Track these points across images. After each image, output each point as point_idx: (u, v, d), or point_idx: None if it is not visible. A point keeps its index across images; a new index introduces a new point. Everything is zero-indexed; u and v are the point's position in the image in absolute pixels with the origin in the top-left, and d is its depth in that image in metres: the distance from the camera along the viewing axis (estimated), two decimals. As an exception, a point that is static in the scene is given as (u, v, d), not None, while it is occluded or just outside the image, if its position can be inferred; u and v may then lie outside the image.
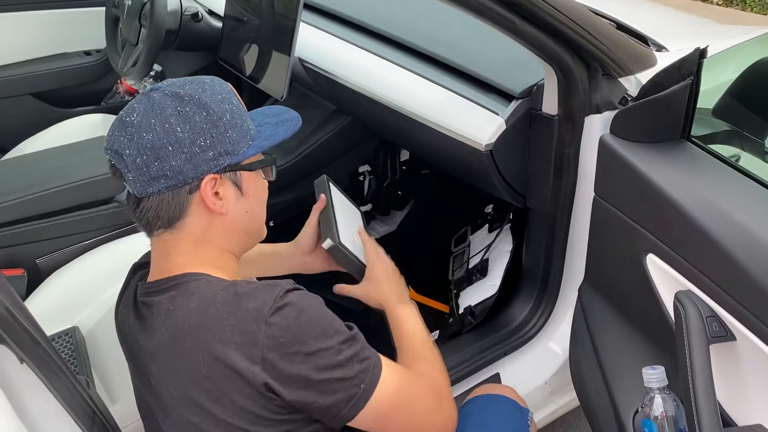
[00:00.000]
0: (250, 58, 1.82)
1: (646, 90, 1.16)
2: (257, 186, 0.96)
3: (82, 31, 2.31)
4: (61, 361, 0.88)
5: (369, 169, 2.06)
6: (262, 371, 0.82)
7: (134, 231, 1.64)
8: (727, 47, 1.40)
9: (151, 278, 0.95)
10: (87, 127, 2.15)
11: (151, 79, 2.42)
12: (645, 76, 1.29)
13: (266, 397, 0.84)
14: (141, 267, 1.03)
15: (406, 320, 1.10)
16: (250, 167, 0.93)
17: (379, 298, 1.14)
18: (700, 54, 1.02)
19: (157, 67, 2.41)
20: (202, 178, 0.87)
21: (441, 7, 1.58)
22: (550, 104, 1.31)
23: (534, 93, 1.34)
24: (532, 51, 1.21)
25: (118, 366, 1.37)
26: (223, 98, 0.89)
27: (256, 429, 0.85)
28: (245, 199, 0.93)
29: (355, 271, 1.20)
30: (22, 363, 0.82)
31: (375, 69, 1.57)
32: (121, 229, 1.65)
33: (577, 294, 1.36)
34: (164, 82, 0.91)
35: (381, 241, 2.17)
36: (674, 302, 0.96)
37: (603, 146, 1.19)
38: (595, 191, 1.23)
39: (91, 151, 1.73)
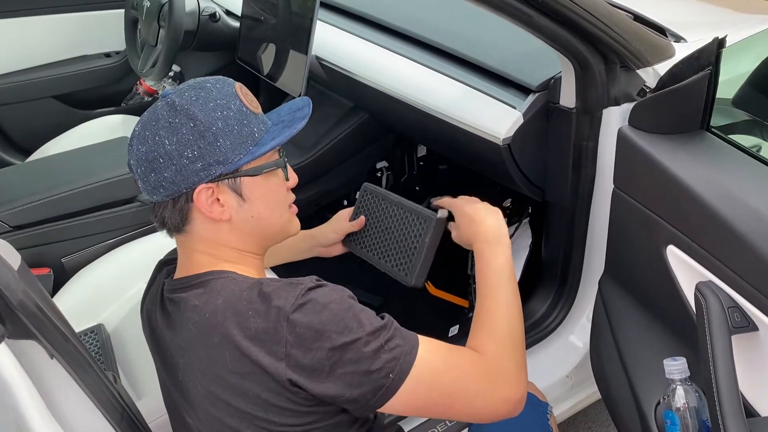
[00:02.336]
0: (267, 57, 1.83)
1: (665, 81, 1.15)
2: (266, 189, 0.93)
3: (102, 34, 2.34)
4: (90, 357, 0.90)
5: (386, 165, 2.07)
6: (286, 367, 0.82)
7: (154, 231, 1.67)
8: (746, 36, 1.39)
9: (177, 275, 0.97)
10: (108, 128, 2.18)
11: (170, 80, 2.45)
12: (663, 68, 1.28)
13: (291, 392, 0.84)
14: (167, 263, 1.05)
15: (495, 271, 1.00)
16: (253, 172, 0.91)
17: (474, 232, 1.05)
18: (719, 44, 1.01)
19: (176, 68, 2.44)
20: (194, 189, 0.87)
21: (457, 3, 1.59)
22: (567, 97, 1.31)
23: (551, 86, 1.34)
24: (549, 44, 1.21)
25: (143, 362, 1.40)
26: (216, 105, 0.87)
27: (282, 420, 0.86)
28: (249, 205, 0.92)
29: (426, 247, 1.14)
30: (52, 358, 0.84)
31: (392, 65, 1.58)
32: (143, 227, 1.68)
33: (597, 287, 1.36)
34: (176, 87, 0.92)
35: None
36: (695, 293, 0.96)
37: (622, 138, 1.18)
38: (614, 184, 1.22)
39: (113, 152, 1.76)
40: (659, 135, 1.12)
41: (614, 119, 1.28)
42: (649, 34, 1.33)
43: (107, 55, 2.40)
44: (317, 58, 1.75)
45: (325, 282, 0.89)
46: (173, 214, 0.90)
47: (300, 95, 1.68)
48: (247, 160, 0.89)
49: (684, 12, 2.01)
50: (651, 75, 1.30)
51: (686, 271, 1.04)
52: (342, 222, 1.27)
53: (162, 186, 0.87)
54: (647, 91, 1.22)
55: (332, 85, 1.88)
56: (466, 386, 0.89)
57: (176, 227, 0.92)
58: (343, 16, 1.82)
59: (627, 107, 1.26)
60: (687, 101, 1.08)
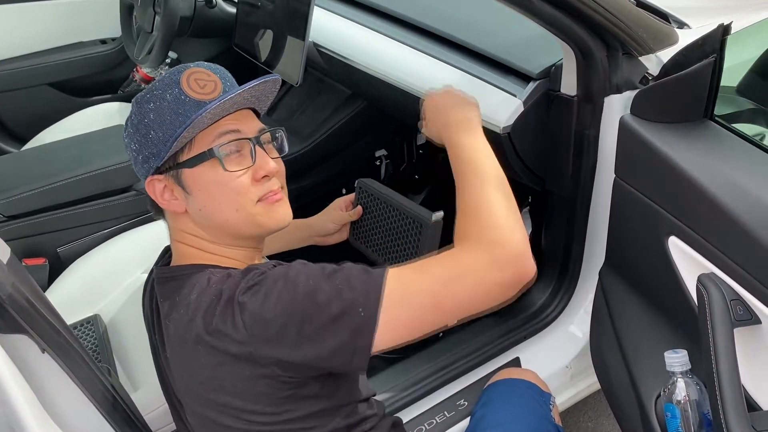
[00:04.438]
0: (264, 43, 1.81)
1: (668, 69, 1.13)
2: (208, 180, 0.86)
3: (98, 20, 2.31)
4: (82, 350, 0.89)
5: (385, 153, 2.05)
6: (253, 350, 0.78)
7: (153, 219, 1.65)
8: (751, 23, 1.36)
9: (170, 263, 0.96)
10: (104, 115, 2.15)
11: (167, 67, 2.41)
12: (666, 55, 1.26)
13: (268, 375, 0.80)
14: (163, 255, 1.04)
15: (461, 150, 0.92)
16: (189, 164, 0.86)
17: (438, 129, 0.99)
18: (724, 30, 0.99)
19: (172, 55, 2.40)
20: (146, 182, 0.89)
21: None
22: (568, 85, 1.29)
23: (552, 74, 1.31)
24: (550, 30, 1.19)
25: (139, 353, 1.39)
26: (152, 96, 0.86)
27: (261, 408, 0.83)
28: (193, 197, 0.87)
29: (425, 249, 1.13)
30: (43, 352, 0.83)
31: (390, 52, 1.56)
32: (140, 217, 1.66)
33: (597, 277, 1.35)
34: None
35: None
36: (697, 285, 0.94)
37: (623, 127, 1.16)
38: (615, 173, 1.21)
39: (109, 140, 1.74)
40: (662, 124, 1.10)
41: (616, 107, 1.26)
42: (652, 20, 1.30)
43: (103, 41, 2.37)
44: (315, 44, 1.73)
45: (282, 262, 0.85)
46: (148, 202, 0.93)
47: (297, 83, 1.65)
48: (177, 149, 0.85)
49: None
50: (654, 62, 1.28)
51: (688, 263, 1.02)
52: (339, 211, 1.26)
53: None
54: (650, 78, 1.20)
55: (331, 73, 1.86)
56: (447, 275, 0.79)
57: (157, 217, 0.95)
58: (341, 2, 1.79)
59: (629, 95, 1.24)
60: (690, 89, 1.06)
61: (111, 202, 1.62)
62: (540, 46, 1.36)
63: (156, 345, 0.99)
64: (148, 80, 2.43)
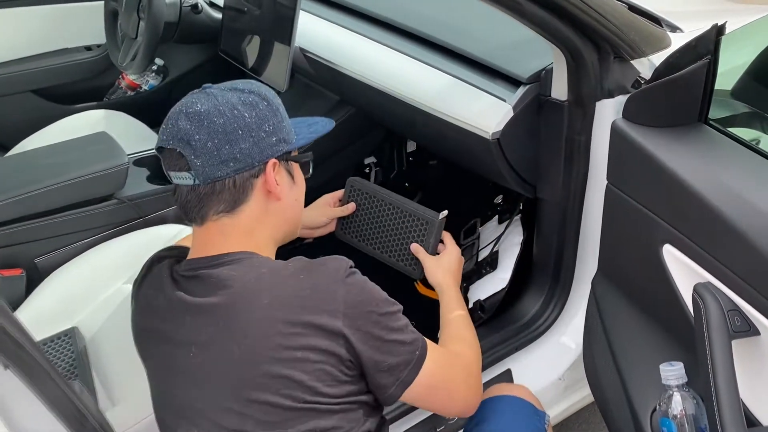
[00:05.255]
0: (250, 49, 1.78)
1: (660, 71, 1.10)
2: (301, 180, 1.02)
3: (83, 26, 2.26)
4: (49, 366, 0.84)
5: (375, 160, 2.02)
6: (343, 326, 0.87)
7: (134, 228, 1.61)
8: (745, 24, 1.34)
9: (199, 255, 0.95)
10: (89, 123, 2.11)
11: (153, 74, 2.39)
12: (659, 59, 1.23)
13: (338, 355, 0.87)
14: (160, 260, 1.03)
15: (459, 303, 1.18)
16: (302, 159, 1.01)
17: (442, 276, 1.22)
18: (718, 31, 0.96)
19: (159, 61, 2.38)
20: (267, 162, 0.93)
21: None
22: (559, 89, 1.26)
23: (542, 78, 1.28)
24: (539, 33, 1.16)
25: (119, 366, 1.35)
26: (274, 94, 0.97)
27: (325, 389, 0.88)
28: (296, 188, 1.00)
29: (431, 246, 1.29)
30: (6, 369, 0.79)
31: (377, 57, 1.52)
32: (120, 226, 1.61)
33: (589, 284, 1.31)
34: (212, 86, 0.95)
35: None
36: (693, 295, 0.91)
37: (615, 132, 1.13)
38: (607, 179, 1.17)
39: (91, 147, 1.70)
40: (655, 128, 1.07)
41: (608, 112, 1.23)
42: (644, 23, 1.27)
43: (88, 48, 2.33)
44: (301, 49, 1.70)
45: None
46: (237, 190, 0.92)
47: (283, 89, 1.62)
48: (302, 143, 0.99)
49: (679, 2, 1.96)
50: (646, 66, 1.25)
51: (684, 272, 0.99)
52: (328, 207, 1.35)
53: (234, 159, 0.90)
54: (642, 82, 1.17)
55: (318, 78, 1.82)
56: (458, 376, 1.02)
57: (234, 204, 0.93)
58: (328, 6, 1.76)
59: (621, 100, 1.21)
60: (684, 92, 1.02)
61: (91, 211, 1.57)
62: (530, 50, 1.33)
63: (172, 340, 0.95)
64: (134, 87, 2.39)
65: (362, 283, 0.92)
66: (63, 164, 1.60)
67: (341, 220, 1.35)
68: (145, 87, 2.39)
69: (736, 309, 0.87)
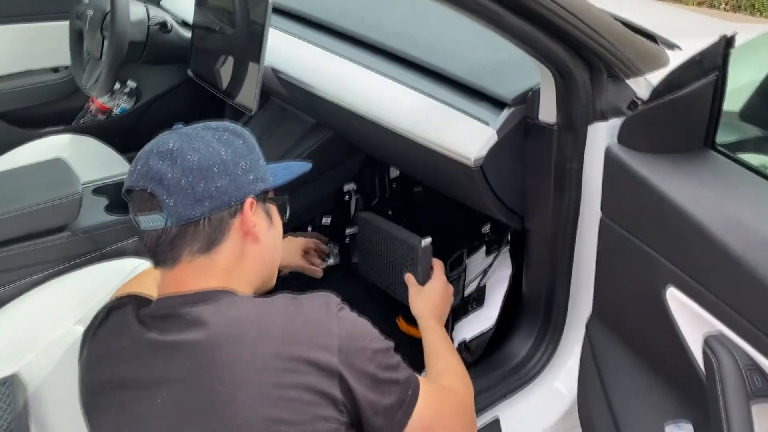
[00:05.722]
0: (219, 69, 1.66)
1: (660, 91, 0.99)
2: (278, 222, 0.99)
3: (49, 47, 2.15)
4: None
5: (355, 187, 1.89)
6: (339, 363, 0.83)
7: (89, 263, 1.48)
8: (750, 39, 1.23)
9: (171, 294, 0.88)
10: (54, 148, 1.99)
11: (125, 96, 2.28)
12: (657, 78, 1.13)
13: (332, 398, 0.82)
14: (120, 305, 0.96)
15: (443, 336, 1.18)
16: (274, 200, 0.98)
17: (421, 306, 1.24)
18: (727, 43, 0.85)
19: (131, 83, 2.27)
20: (245, 201, 0.89)
21: (421, 5, 1.43)
22: (547, 112, 1.15)
23: (529, 99, 1.17)
24: (525, 50, 1.05)
25: (64, 418, 1.21)
26: (249, 133, 0.95)
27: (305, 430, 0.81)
28: (274, 230, 0.97)
29: (423, 273, 1.33)
30: None
31: (352, 77, 1.41)
32: (74, 261, 1.49)
33: (583, 328, 1.19)
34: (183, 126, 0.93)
35: (371, 265, 1.99)
36: (704, 350, 0.79)
37: (609, 158, 1.02)
38: (601, 211, 1.05)
39: (43, 175, 1.57)
40: (654, 155, 0.95)
41: (601, 136, 1.12)
42: (639, 39, 1.16)
43: (55, 69, 2.22)
44: (273, 70, 1.58)
45: None
46: (212, 230, 0.87)
47: (252, 112, 1.50)
48: (279, 182, 0.98)
49: (675, 19, 1.86)
50: (643, 86, 1.14)
51: (690, 319, 0.86)
52: (300, 255, 1.46)
53: (210, 197, 0.86)
54: (639, 103, 1.06)
55: (292, 101, 1.71)
56: (451, 411, 0.99)
57: (209, 245, 0.88)
58: (301, 24, 1.65)
59: (616, 123, 1.10)
60: (687, 114, 0.91)
61: (40, 244, 1.45)
62: (515, 69, 1.22)
63: (137, 384, 0.86)
64: (104, 110, 2.28)
65: (354, 319, 0.89)
66: (10, 193, 1.48)
67: (358, 251, 1.49)
68: (116, 110, 2.28)
69: (756, 367, 0.75)
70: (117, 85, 2.27)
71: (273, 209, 0.98)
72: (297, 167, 1.05)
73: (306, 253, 1.53)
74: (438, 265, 1.32)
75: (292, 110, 1.80)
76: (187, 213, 0.85)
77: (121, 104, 2.27)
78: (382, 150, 1.58)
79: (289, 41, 1.60)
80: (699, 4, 5.08)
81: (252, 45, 1.49)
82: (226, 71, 1.63)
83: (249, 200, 0.90)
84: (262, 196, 0.94)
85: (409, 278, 1.31)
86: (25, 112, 2.17)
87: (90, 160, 1.94)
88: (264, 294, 1.01)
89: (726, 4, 4.93)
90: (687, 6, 4.92)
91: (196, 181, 0.85)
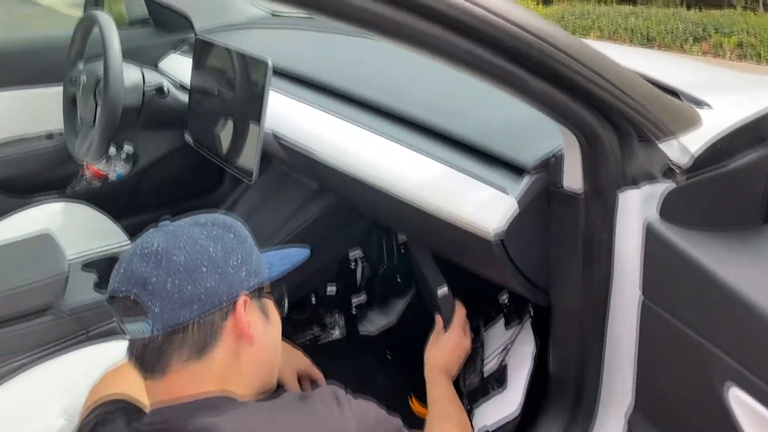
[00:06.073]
0: (217, 135, 1.58)
1: (705, 159, 0.89)
2: (276, 317, 0.92)
3: (43, 112, 2.09)
4: None
5: (361, 254, 1.79)
6: None
7: (74, 347, 1.37)
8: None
9: (165, 403, 0.81)
10: (45, 217, 1.90)
11: (121, 162, 2.20)
12: (691, 140, 1.03)
13: None
14: (106, 420, 0.88)
15: (446, 387, 1.20)
16: (270, 294, 0.92)
17: (435, 357, 1.24)
18: (787, 108, 0.75)
19: (128, 148, 2.20)
20: (237, 299, 0.83)
21: (431, 67, 1.34)
22: (572, 178, 1.05)
23: (551, 165, 1.07)
24: (547, 114, 0.95)
25: None
26: (241, 225, 0.90)
27: None
28: (271, 327, 0.91)
29: (446, 320, 1.33)
30: None
31: (355, 141, 1.32)
32: (59, 343, 1.37)
33: (621, 420, 1.05)
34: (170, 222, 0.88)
35: (380, 336, 1.88)
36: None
37: (651, 235, 0.91)
38: (643, 293, 0.94)
39: (32, 251, 1.48)
40: (704, 232, 0.85)
41: (632, 204, 1.01)
42: (668, 98, 1.07)
43: (49, 136, 2.15)
44: (274, 135, 1.50)
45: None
46: (202, 334, 0.81)
47: (252, 181, 1.41)
48: (275, 275, 0.91)
49: (689, 72, 1.78)
50: (676, 148, 1.04)
51: (761, 426, 0.74)
52: (294, 377, 1.31)
53: (198, 299, 0.80)
54: (678, 170, 0.95)
55: (294, 166, 1.62)
56: None
57: (199, 350, 0.81)
58: (301, 85, 1.57)
59: (648, 190, 1.00)
60: (742, 187, 0.80)
61: (22, 328, 1.34)
62: (532, 132, 1.13)
63: None
64: (99, 177, 2.20)
65: (365, 408, 0.88)
66: (-4, 271, 1.38)
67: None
68: (112, 176, 2.19)
69: None
70: (113, 150, 2.20)
71: (269, 304, 0.91)
72: (295, 255, 0.98)
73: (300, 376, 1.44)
74: (457, 315, 1.30)
75: (295, 175, 1.71)
76: (174, 318, 0.79)
77: (118, 169, 2.19)
78: (390, 218, 1.48)
79: (290, 104, 1.52)
80: (703, 53, 5.07)
81: (251, 108, 1.41)
82: (224, 136, 1.55)
83: (242, 298, 0.84)
84: (257, 292, 0.88)
85: (438, 321, 1.31)
86: (19, 180, 2.10)
87: (82, 229, 1.85)
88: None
89: (731, 53, 4.92)
90: (693, 56, 4.91)
91: (183, 284, 0.80)
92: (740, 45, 4.89)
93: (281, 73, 1.64)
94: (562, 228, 1.09)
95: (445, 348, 1.25)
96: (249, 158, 1.42)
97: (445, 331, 1.32)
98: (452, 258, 1.44)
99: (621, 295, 1.06)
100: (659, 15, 5.93)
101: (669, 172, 0.98)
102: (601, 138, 0.97)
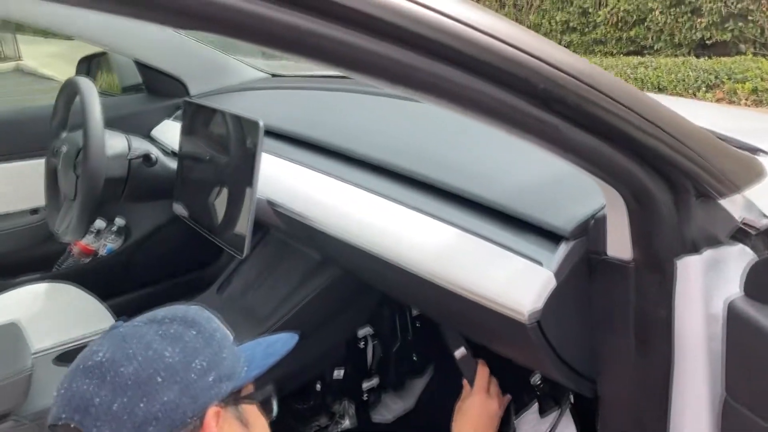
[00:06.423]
0: (206, 206, 1.43)
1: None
2: (261, 423, 0.79)
3: (27, 187, 1.96)
4: None
5: (371, 331, 1.60)
6: None
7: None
8: None
9: None
10: (26, 300, 1.74)
11: (112, 236, 2.05)
12: (755, 194, 0.87)
13: None
14: None
15: None
16: (250, 399, 0.79)
17: (460, 428, 1.14)
18: None
19: (119, 221, 2.06)
20: (205, 412, 0.70)
21: (442, 121, 1.19)
22: (618, 245, 0.87)
23: (591, 229, 0.90)
24: (585, 168, 0.79)
25: None
26: (209, 316, 0.79)
27: None
28: None
29: (470, 383, 1.25)
30: None
31: (360, 206, 1.16)
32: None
33: None
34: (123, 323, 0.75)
35: (397, 423, 1.66)
36: None
37: (736, 318, 0.73)
38: (727, 392, 0.75)
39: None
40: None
41: (694, 274, 0.84)
42: (726, 145, 0.91)
43: (34, 211, 2.01)
44: (269, 202, 1.34)
45: None
46: None
47: (242, 255, 1.24)
48: (252, 376, 0.77)
49: (724, 119, 1.63)
50: (740, 205, 0.87)
51: None
52: None
53: (156, 418, 0.67)
54: (752, 231, 0.78)
55: (293, 236, 1.46)
56: None
57: None
58: (301, 148, 1.42)
59: (711, 256, 0.83)
60: None
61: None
62: (566, 190, 0.97)
63: None
64: (88, 253, 2.05)
65: None
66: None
67: None
68: (102, 252, 2.04)
69: None
70: (103, 224, 2.06)
71: (251, 411, 0.78)
72: (280, 345, 0.85)
73: None
74: (479, 376, 1.20)
75: (295, 245, 1.54)
76: None
77: (108, 244, 2.05)
78: (402, 295, 1.30)
79: (287, 167, 1.37)
80: (717, 100, 4.96)
81: (243, 174, 1.26)
82: (214, 206, 1.39)
83: (212, 410, 0.70)
84: (233, 398, 0.74)
85: (466, 387, 1.22)
86: (1, 259, 1.94)
87: (64, 313, 1.68)
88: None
89: (746, 100, 4.80)
90: (706, 101, 4.81)
91: (133, 402, 0.67)
92: (755, 91, 4.78)
93: (278, 135, 1.49)
94: (608, 305, 0.90)
95: (470, 415, 1.15)
96: (241, 230, 1.26)
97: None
98: (476, 340, 1.25)
99: (684, 384, 0.86)
100: (669, 64, 5.87)
101: (740, 234, 0.81)
102: (652, 195, 0.80)
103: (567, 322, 0.91)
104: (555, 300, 0.88)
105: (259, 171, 1.21)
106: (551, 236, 0.92)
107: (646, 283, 0.86)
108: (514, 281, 0.89)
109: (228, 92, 2.04)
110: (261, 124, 1.20)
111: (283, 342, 0.87)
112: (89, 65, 2.20)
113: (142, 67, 2.06)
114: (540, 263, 0.89)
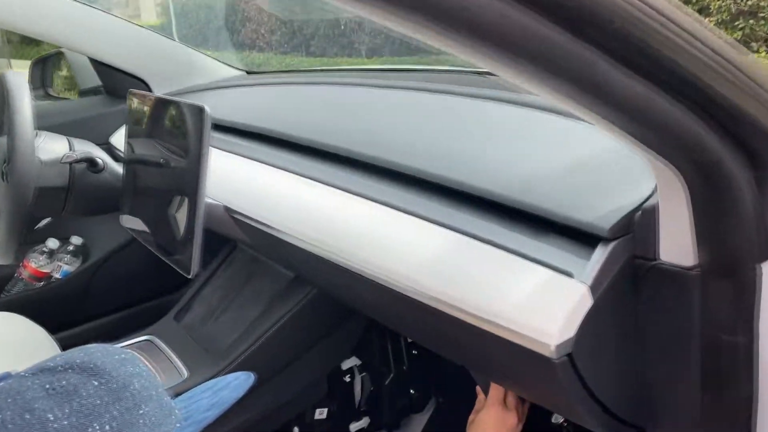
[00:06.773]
0: (150, 217, 1.19)
1: None
2: None
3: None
4: None
5: (358, 362, 1.35)
6: None
7: None
8: None
9: None
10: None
11: (68, 256, 1.82)
12: None
13: None
14: None
15: None
16: None
17: None
18: None
19: (75, 240, 1.82)
20: None
21: (434, 114, 0.96)
22: (676, 245, 0.64)
23: (637, 226, 0.66)
24: (630, 132, 0.55)
25: None
26: (124, 359, 0.60)
27: None
28: None
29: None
30: None
31: (335, 210, 0.92)
32: None
33: None
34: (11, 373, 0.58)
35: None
36: None
37: None
38: None
39: None
40: None
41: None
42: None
43: (-25, 231, 1.78)
44: (227, 209, 1.10)
45: None
46: None
47: (191, 274, 1.01)
48: None
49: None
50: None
51: None
52: None
53: None
54: None
55: (260, 249, 1.22)
56: None
57: None
58: (270, 145, 1.19)
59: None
60: None
61: None
62: (599, 177, 0.73)
63: None
64: (40, 276, 1.80)
65: None
66: None
67: None
68: (56, 275, 1.81)
69: None
70: (56, 243, 1.82)
71: None
72: (231, 390, 0.68)
73: None
74: (493, 386, 1.07)
75: (264, 261, 1.30)
76: None
77: (63, 266, 1.81)
78: (390, 321, 1.05)
79: (251, 168, 1.13)
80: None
81: (189, 177, 1.03)
82: (159, 217, 1.16)
83: None
84: None
85: (479, 395, 1.10)
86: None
87: (4, 349, 1.44)
88: None
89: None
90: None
91: None
92: None
93: (230, 129, 1.27)
94: (663, 328, 0.67)
95: (483, 430, 1.02)
96: (188, 243, 1.02)
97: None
98: (488, 377, 1.01)
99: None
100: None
101: None
102: (725, 169, 0.57)
103: (607, 353, 0.67)
104: (591, 324, 0.64)
105: (207, 170, 0.98)
106: (583, 237, 0.68)
107: (717, 297, 0.63)
108: (536, 300, 0.65)
109: (199, 90, 1.82)
110: (207, 110, 0.97)
111: (233, 387, 0.69)
112: (44, 67, 1.98)
113: (100, 65, 1.84)
114: (570, 274, 0.65)
